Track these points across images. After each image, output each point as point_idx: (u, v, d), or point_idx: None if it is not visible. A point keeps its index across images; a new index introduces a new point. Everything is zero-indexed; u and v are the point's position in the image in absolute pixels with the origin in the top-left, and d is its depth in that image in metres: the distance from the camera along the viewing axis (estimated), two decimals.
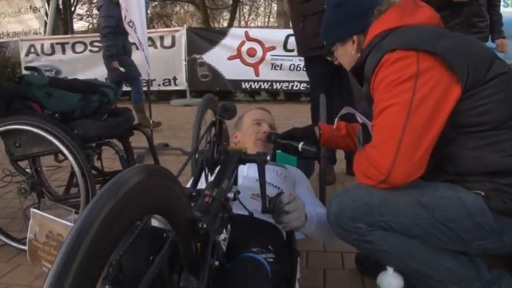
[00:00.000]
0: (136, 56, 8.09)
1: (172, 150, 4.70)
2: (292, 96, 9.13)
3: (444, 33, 1.47)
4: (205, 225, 1.08)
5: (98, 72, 8.36)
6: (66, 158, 2.23)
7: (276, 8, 15.69)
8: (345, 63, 1.75)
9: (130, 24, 4.67)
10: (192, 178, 2.05)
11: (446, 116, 1.38)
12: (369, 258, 1.96)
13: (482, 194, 1.39)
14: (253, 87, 8.80)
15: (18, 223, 2.54)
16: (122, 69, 5.46)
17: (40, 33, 9.65)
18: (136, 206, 0.76)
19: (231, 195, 1.38)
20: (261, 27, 19.09)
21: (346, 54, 1.71)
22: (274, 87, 8.69)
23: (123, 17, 4.65)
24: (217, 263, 1.11)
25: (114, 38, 5.45)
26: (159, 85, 8.96)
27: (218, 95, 8.70)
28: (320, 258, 2.21)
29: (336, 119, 2.01)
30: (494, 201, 1.37)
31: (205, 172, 1.59)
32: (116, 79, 5.57)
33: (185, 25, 9.91)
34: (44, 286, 0.60)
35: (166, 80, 8.94)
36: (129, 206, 0.73)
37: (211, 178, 1.52)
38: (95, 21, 19.89)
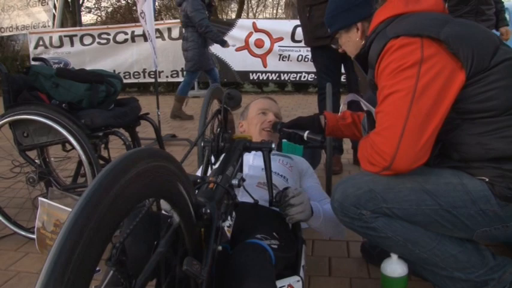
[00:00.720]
0: (144, 48, 8.18)
1: (179, 141, 4.72)
2: (300, 87, 9.12)
3: (449, 20, 1.46)
4: (208, 211, 1.10)
5: (106, 64, 8.43)
6: (73, 147, 2.25)
7: None
8: (349, 51, 1.74)
9: (142, 14, 4.70)
10: (201, 167, 2.07)
11: (451, 102, 1.38)
12: (374, 246, 1.96)
13: (487, 180, 1.39)
14: (261, 78, 8.78)
15: (27, 212, 2.57)
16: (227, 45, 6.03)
17: (49, 26, 9.67)
18: (138, 189, 0.76)
19: (235, 181, 1.39)
20: (269, 18, 19.02)
21: (350, 42, 1.71)
22: (282, 78, 8.66)
23: (138, 7, 4.69)
24: (220, 248, 1.11)
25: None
26: (167, 77, 8.95)
27: (226, 86, 8.70)
28: (326, 247, 2.21)
29: (341, 107, 2.01)
30: (499, 187, 1.37)
31: (210, 160, 1.60)
32: (207, 67, 6.02)
33: None
34: (46, 262, 0.61)
35: (174, 72, 8.93)
36: (130, 188, 0.73)
37: (216, 166, 1.53)
38: (103, 13, 19.93)
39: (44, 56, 8.68)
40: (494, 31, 3.49)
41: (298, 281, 1.51)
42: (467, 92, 1.39)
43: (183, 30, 5.96)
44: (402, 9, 1.52)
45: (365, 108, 1.78)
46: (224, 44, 5.97)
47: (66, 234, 0.62)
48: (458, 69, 1.37)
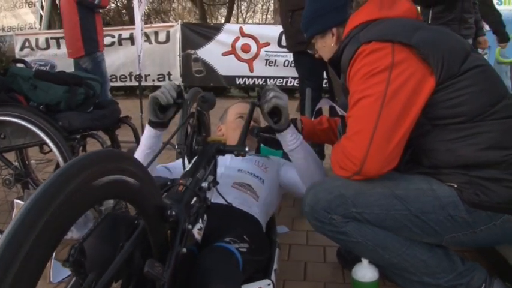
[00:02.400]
0: (131, 51, 8.15)
1: (162, 144, 4.68)
2: (286, 92, 9.01)
3: (420, 26, 1.48)
4: (174, 213, 1.09)
5: None
6: (50, 149, 2.24)
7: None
8: (324, 56, 1.76)
9: (143, 18, 4.72)
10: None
11: (420, 107, 1.39)
12: (350, 251, 1.96)
13: (455, 186, 1.40)
14: (247, 83, 8.80)
15: (3, 215, 2.53)
16: None
17: (35, 27, 9.61)
18: (93, 190, 0.76)
19: (205, 184, 1.38)
20: (257, 23, 19.09)
21: (326, 47, 1.72)
22: (268, 83, 8.66)
23: (140, 10, 4.70)
24: (184, 250, 1.11)
25: None
26: (154, 80, 8.93)
27: (212, 90, 8.62)
28: (302, 252, 2.21)
29: (314, 113, 2.02)
30: (467, 193, 1.38)
31: (183, 162, 1.59)
32: None
33: (180, 20, 9.89)
34: None
35: (160, 76, 8.92)
36: (84, 189, 0.73)
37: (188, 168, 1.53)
38: None
39: (30, 58, 8.64)
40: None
41: (268, 284, 1.51)
42: (437, 97, 1.40)
43: None
44: (376, 15, 1.54)
45: (340, 113, 1.79)
46: None
47: (11, 234, 0.62)
48: (428, 75, 1.39)
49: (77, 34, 4.74)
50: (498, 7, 7.57)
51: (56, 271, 1.90)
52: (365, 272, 1.62)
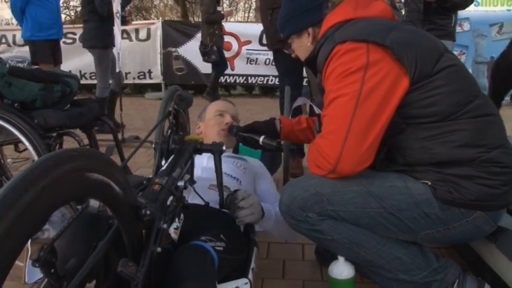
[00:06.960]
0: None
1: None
2: (267, 90, 9.13)
3: (395, 26, 1.49)
4: (148, 212, 1.09)
5: (72, 64, 8.27)
6: (26, 148, 2.21)
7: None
8: (301, 55, 1.76)
9: (118, 14, 4.68)
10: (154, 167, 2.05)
11: (394, 107, 1.40)
12: (328, 250, 1.97)
13: (429, 183, 1.42)
14: (228, 81, 8.77)
15: None
16: None
17: (12, 23, 9.44)
18: (64, 189, 0.75)
19: (181, 183, 1.38)
20: (239, 21, 19.06)
21: (302, 47, 1.73)
22: (250, 81, 8.68)
23: (114, 7, 4.66)
24: (159, 249, 1.11)
25: None
26: (134, 78, 8.86)
27: (193, 88, 8.67)
28: (281, 250, 2.22)
29: (290, 112, 2.02)
30: (440, 191, 1.40)
31: (159, 161, 1.59)
32: None
33: (160, 18, 9.82)
34: None
35: (141, 73, 8.86)
36: (54, 187, 0.72)
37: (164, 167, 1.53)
38: (72, 12, 19.61)
39: (7, 54, 8.50)
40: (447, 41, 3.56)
41: (246, 283, 1.51)
42: (412, 97, 1.42)
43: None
44: (351, 15, 1.54)
45: (317, 112, 1.80)
46: None
47: None
48: (402, 75, 1.40)
49: None
50: (475, 8, 7.70)
51: (31, 272, 1.87)
52: (341, 269, 1.63)
